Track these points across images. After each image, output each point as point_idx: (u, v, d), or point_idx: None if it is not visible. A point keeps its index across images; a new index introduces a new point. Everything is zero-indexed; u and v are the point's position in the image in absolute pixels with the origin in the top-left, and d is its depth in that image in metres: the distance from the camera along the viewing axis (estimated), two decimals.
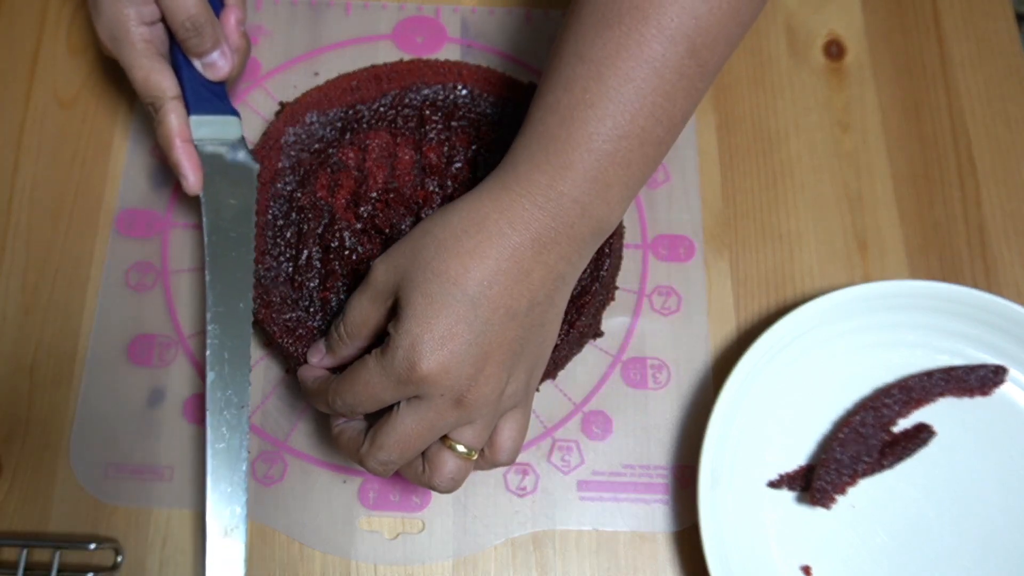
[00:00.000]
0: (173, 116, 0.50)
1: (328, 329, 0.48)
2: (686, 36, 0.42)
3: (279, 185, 0.55)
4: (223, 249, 0.51)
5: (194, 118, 0.51)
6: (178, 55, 0.52)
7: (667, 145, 0.44)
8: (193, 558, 0.51)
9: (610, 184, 0.42)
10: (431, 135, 0.56)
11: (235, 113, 0.53)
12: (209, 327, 0.50)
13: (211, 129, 0.52)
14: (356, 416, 0.45)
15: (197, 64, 0.52)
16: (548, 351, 0.45)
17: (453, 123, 0.57)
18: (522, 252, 0.41)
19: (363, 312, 0.44)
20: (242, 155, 0.53)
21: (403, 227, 0.54)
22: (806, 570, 0.51)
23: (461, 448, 0.43)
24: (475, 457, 0.44)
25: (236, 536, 0.48)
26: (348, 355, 0.46)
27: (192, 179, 0.51)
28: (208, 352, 0.50)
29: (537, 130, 0.43)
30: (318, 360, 0.47)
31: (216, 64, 0.52)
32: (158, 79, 0.50)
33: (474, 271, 0.41)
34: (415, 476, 0.44)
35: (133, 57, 0.50)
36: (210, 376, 0.50)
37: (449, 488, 0.44)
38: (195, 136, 0.52)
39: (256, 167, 0.53)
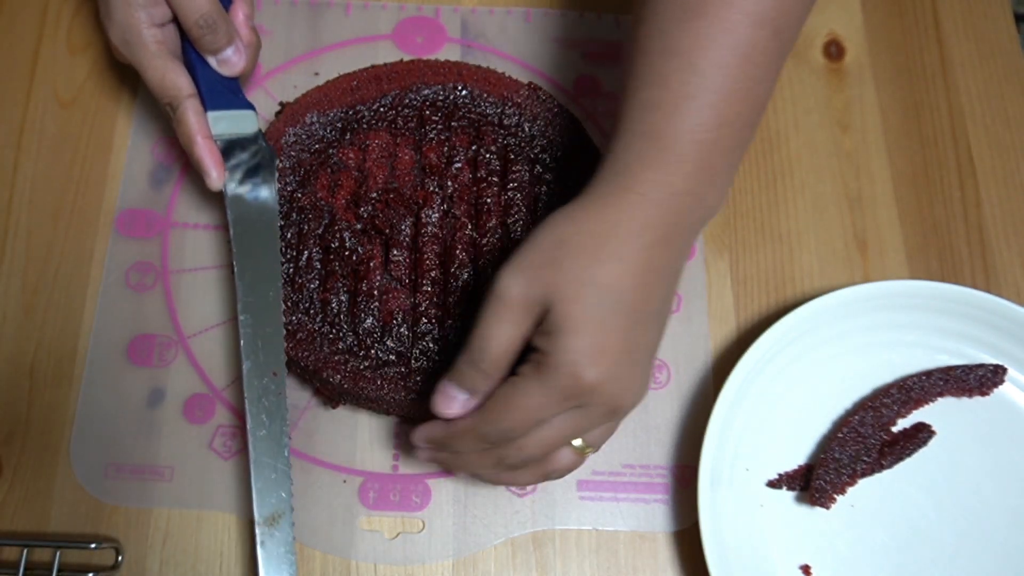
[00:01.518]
0: (191, 114, 0.51)
1: (454, 372, 0.43)
2: (769, 18, 0.42)
3: (279, 185, 0.55)
4: (249, 239, 0.52)
5: (211, 114, 0.52)
6: (191, 54, 0.52)
7: (756, 126, 0.45)
8: (194, 557, 0.51)
9: (717, 171, 0.43)
10: (431, 135, 0.56)
11: (251, 107, 0.54)
12: (241, 317, 0.50)
13: (228, 124, 0.53)
14: (510, 442, 0.42)
15: (212, 61, 0.52)
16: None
17: (453, 123, 0.57)
18: (654, 252, 0.41)
19: (506, 338, 0.41)
20: (261, 146, 0.54)
21: (403, 227, 0.54)
22: (806, 570, 0.51)
23: (579, 443, 0.43)
24: (590, 453, 0.44)
25: (283, 522, 0.48)
26: (493, 388, 0.42)
27: (215, 175, 0.52)
28: (242, 342, 0.50)
29: (642, 128, 0.43)
30: (461, 408, 0.43)
31: (230, 60, 0.53)
32: (173, 78, 0.51)
33: (623, 277, 0.40)
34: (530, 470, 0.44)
35: (147, 59, 0.50)
36: (246, 365, 0.50)
37: (559, 477, 0.45)
38: (213, 131, 0.52)
39: (275, 158, 0.54)
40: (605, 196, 0.42)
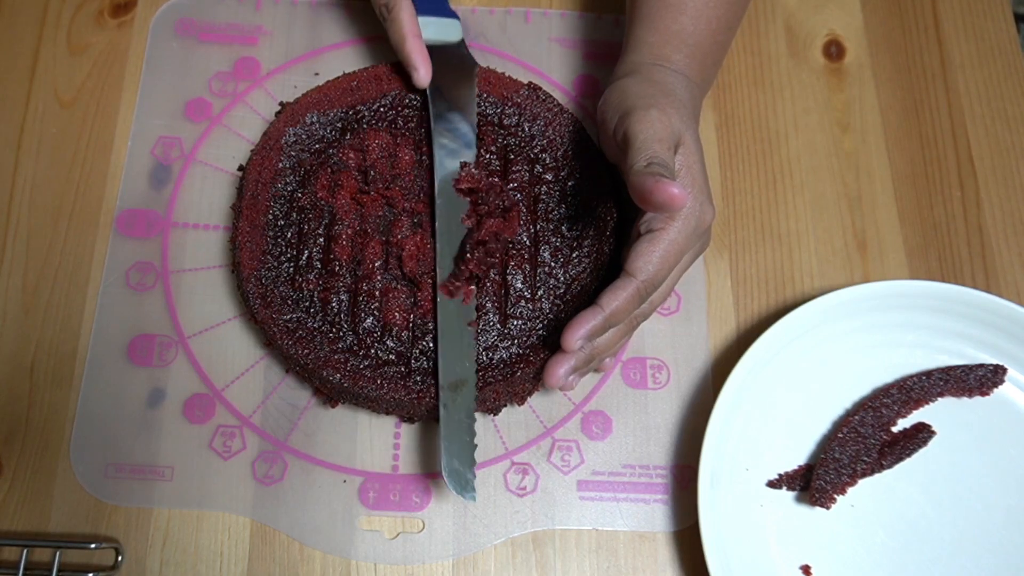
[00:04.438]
0: (405, 14, 0.56)
1: (655, 171, 0.45)
2: None
3: (279, 185, 0.55)
4: (445, 114, 0.56)
5: (420, 19, 0.57)
6: None
7: (734, 31, 0.57)
8: (194, 557, 0.51)
9: (719, 60, 0.56)
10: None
11: (456, 17, 0.59)
12: (438, 201, 0.53)
13: (435, 29, 0.58)
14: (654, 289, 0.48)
15: None
16: None
17: None
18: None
19: (671, 159, 0.47)
20: (463, 54, 0.58)
21: (403, 227, 0.54)
22: (805, 570, 0.51)
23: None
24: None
25: (466, 389, 0.49)
26: None
27: (423, 72, 0.56)
28: (437, 223, 0.53)
29: (673, 28, 0.53)
30: (678, 191, 0.43)
31: None
32: None
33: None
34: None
35: None
36: (439, 245, 0.52)
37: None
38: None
39: (476, 65, 0.58)
40: (651, 69, 0.52)
